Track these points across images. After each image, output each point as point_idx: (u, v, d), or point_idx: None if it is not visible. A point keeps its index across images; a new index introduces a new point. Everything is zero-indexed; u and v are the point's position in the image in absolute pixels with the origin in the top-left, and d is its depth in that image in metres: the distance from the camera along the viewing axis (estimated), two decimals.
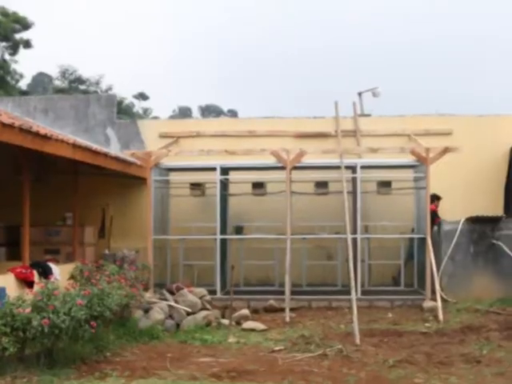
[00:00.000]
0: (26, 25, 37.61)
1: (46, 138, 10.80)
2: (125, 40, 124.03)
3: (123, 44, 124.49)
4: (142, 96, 63.76)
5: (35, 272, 11.60)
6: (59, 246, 14.47)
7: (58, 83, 46.65)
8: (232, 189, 15.87)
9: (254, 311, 12.76)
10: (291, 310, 12.59)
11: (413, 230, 15.24)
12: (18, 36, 37.61)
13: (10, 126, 9.59)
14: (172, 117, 52.50)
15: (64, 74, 45.87)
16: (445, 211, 14.65)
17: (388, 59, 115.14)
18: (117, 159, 14.23)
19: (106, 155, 13.64)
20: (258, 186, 15.54)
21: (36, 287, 10.27)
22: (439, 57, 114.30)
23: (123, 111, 42.01)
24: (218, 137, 16.48)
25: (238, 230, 15.67)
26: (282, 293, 13.11)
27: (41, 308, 7.99)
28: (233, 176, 15.65)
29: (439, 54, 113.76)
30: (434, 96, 74.08)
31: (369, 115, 17.58)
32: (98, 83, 45.73)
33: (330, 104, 16.93)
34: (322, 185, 15.37)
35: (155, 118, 46.43)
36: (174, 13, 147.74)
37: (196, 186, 15.77)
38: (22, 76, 41.03)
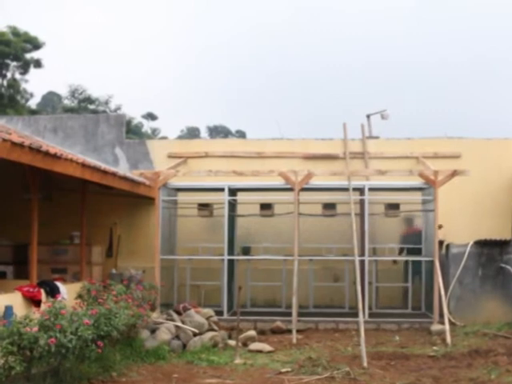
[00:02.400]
0: (36, 44, 37.85)
1: (55, 157, 10.85)
2: (134, 60, 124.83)
3: (132, 64, 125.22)
4: (151, 116, 64.00)
5: (42, 291, 11.61)
6: (66, 265, 14.49)
7: (67, 102, 46.82)
8: (240, 209, 15.88)
9: (261, 332, 12.73)
10: (298, 331, 12.55)
11: (401, 252, 15.25)
12: (28, 55, 37.85)
13: (20, 145, 9.64)
14: (180, 137, 52.70)
15: (73, 93, 46.05)
16: (453, 234, 14.57)
17: (397, 82, 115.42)
18: (125, 179, 14.27)
19: (114, 175, 13.68)
20: (266, 207, 15.52)
21: (43, 306, 10.26)
22: (448, 79, 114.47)
23: (132, 131, 42.14)
24: (227, 157, 16.53)
25: (246, 250, 15.66)
26: (289, 314, 13.07)
27: (48, 327, 7.97)
28: (241, 197, 15.69)
29: (448, 76, 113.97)
30: (443, 119, 74.13)
31: (377, 137, 17.60)
32: (107, 103, 45.87)
33: (338, 126, 16.98)
34: (329, 206, 15.33)
35: (164, 137, 46.51)
36: (182, 33, 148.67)
37: (204, 207, 15.77)
38: (32, 95, 41.29)
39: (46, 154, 10.48)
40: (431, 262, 13.75)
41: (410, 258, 14.83)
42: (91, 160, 14.46)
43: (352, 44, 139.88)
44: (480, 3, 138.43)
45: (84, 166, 12.14)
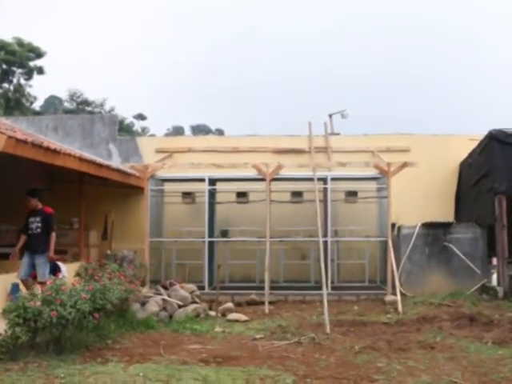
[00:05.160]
0: (39, 54, 37.48)
1: (55, 152, 10.73)
2: (125, 66, 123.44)
3: (124, 70, 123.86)
4: (141, 116, 63.41)
5: None
6: (67, 247, 14.31)
7: (67, 105, 46.33)
8: (219, 197, 15.84)
9: (238, 304, 12.71)
10: (270, 303, 12.57)
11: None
12: (32, 63, 37.46)
13: (24, 142, 9.53)
14: (167, 134, 52.13)
15: (72, 96, 45.57)
16: (404, 217, 14.61)
17: (355, 85, 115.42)
18: (118, 171, 14.16)
19: (108, 167, 13.57)
20: (242, 195, 15.52)
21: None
22: (399, 82, 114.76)
23: (124, 129, 41.85)
24: (207, 152, 16.46)
25: (224, 233, 15.62)
26: (262, 288, 13.08)
27: (50, 301, 7.90)
28: (219, 186, 15.64)
29: (400, 80, 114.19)
30: (394, 117, 74.47)
31: (338, 134, 17.66)
32: (102, 105, 45.47)
33: (304, 124, 16.98)
34: (297, 194, 15.37)
35: (152, 135, 46.21)
36: (168, 43, 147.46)
37: (187, 195, 15.72)
38: (35, 98, 40.86)
39: (47, 149, 10.36)
40: (385, 242, 13.82)
41: (366, 239, 14.87)
42: (88, 155, 14.31)
43: (318, 53, 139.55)
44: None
45: (81, 159, 12.03)
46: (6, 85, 37.86)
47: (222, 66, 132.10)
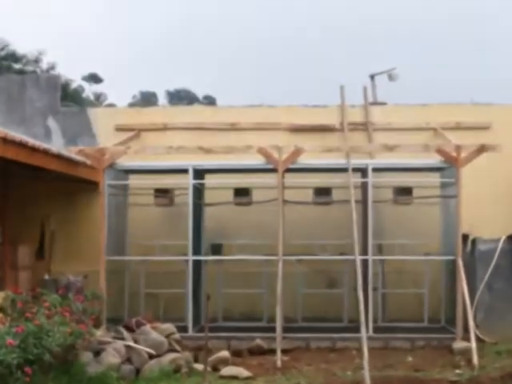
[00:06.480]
0: None
1: None
2: (73, 9, 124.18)
3: (70, 14, 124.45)
4: (94, 78, 63.84)
5: None
6: None
7: None
8: (208, 196, 15.83)
9: (236, 353, 12.71)
10: (283, 351, 12.56)
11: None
12: None
13: None
14: (132, 104, 52.40)
15: None
16: (481, 226, 14.56)
17: (410, 37, 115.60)
18: (60, 158, 14.14)
19: (46, 152, 13.54)
20: (242, 192, 15.49)
21: None
22: (474, 36, 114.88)
23: (70, 97, 41.96)
24: (191, 130, 16.48)
25: (216, 248, 15.58)
26: (272, 330, 13.08)
27: None
28: (210, 180, 15.64)
29: (473, 33, 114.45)
30: (468, 82, 74.48)
31: (384, 104, 17.61)
32: (37, 61, 45.70)
33: (334, 90, 16.92)
34: (323, 192, 15.32)
35: (111, 105, 46.39)
36: None
37: (162, 193, 15.70)
38: None
39: None
40: (453, 262, 13.77)
41: (425, 258, 14.83)
42: (16, 134, 14.29)
43: None
44: None
45: (6, 141, 11.98)
46: None
47: (215, 10, 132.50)
